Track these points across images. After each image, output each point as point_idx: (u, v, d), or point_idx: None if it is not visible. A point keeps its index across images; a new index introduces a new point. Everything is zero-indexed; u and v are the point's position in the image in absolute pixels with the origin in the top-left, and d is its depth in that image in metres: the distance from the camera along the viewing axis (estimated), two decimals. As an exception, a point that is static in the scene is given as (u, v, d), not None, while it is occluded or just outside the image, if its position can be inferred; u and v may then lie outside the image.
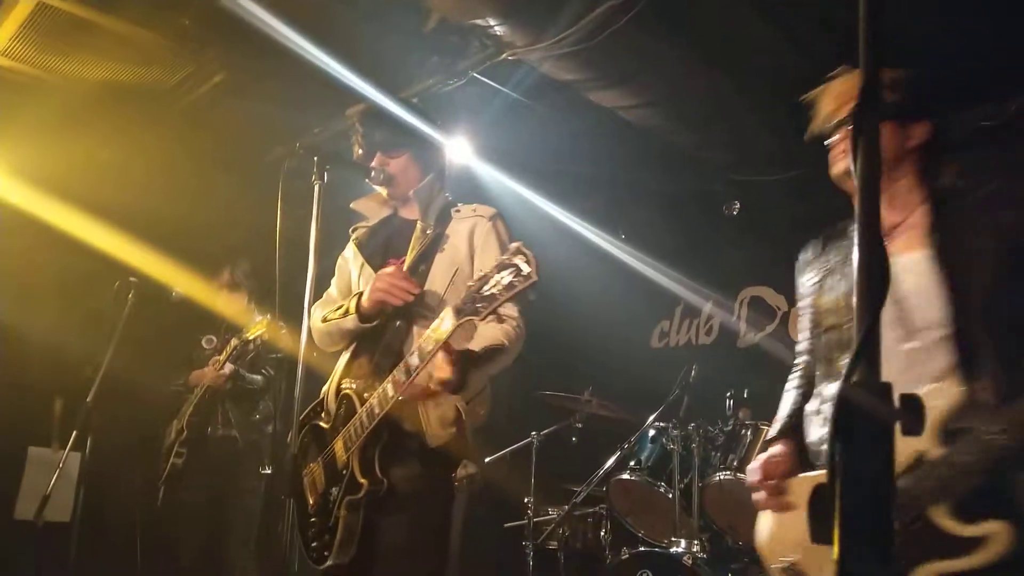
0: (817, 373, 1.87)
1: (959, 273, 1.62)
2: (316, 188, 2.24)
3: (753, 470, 1.84)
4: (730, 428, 3.42)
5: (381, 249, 2.42)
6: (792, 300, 4.80)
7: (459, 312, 1.84)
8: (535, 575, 3.73)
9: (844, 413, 0.64)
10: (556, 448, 4.13)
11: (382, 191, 2.43)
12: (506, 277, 1.75)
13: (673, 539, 3.27)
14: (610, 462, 3.55)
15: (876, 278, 0.73)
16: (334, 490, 2.14)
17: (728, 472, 3.24)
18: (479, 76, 3.70)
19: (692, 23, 3.35)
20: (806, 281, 1.95)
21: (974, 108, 3.66)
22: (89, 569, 3.55)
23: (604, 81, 3.48)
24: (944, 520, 1.49)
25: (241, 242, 4.37)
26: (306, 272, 2.17)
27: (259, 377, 3.91)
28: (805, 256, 1.99)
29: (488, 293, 1.77)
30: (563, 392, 4.07)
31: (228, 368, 3.77)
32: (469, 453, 2.14)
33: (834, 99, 1.83)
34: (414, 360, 1.95)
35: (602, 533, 3.78)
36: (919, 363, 1.61)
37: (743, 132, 4.04)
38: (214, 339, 4.04)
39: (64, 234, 4.38)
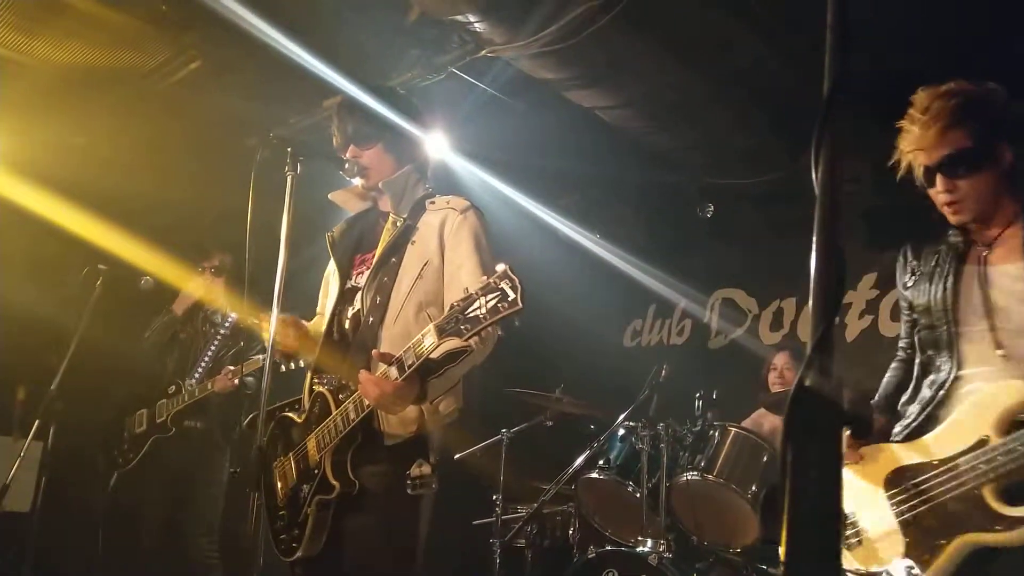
0: (916, 365, 2.05)
1: None
2: (288, 179, 2.22)
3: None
4: (699, 428, 3.44)
5: (352, 245, 2.40)
6: (762, 303, 4.88)
7: (441, 331, 1.83)
8: (502, 572, 3.74)
9: (796, 415, 0.65)
10: (526, 446, 4.14)
11: (358, 183, 2.40)
12: (491, 301, 1.76)
13: (640, 538, 3.29)
14: (579, 461, 3.56)
15: (831, 285, 0.74)
16: (305, 487, 2.15)
17: (696, 472, 3.27)
18: (457, 71, 3.70)
19: (668, 24, 3.37)
20: (904, 283, 2.10)
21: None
22: (49, 559, 3.50)
23: (581, 80, 3.50)
24: (991, 499, 1.70)
25: (217, 230, 4.32)
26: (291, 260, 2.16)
27: (251, 379, 3.87)
28: (901, 260, 2.13)
29: (472, 315, 1.78)
30: (534, 389, 4.07)
31: (237, 379, 3.74)
32: (427, 452, 2.13)
33: (917, 142, 1.88)
34: (393, 372, 1.95)
35: (570, 531, 3.80)
36: (1010, 368, 1.79)
37: (718, 135, 4.08)
38: (151, 279, 3.93)
39: (36, 217, 4.31)
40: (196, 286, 4.01)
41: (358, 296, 2.26)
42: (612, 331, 5.41)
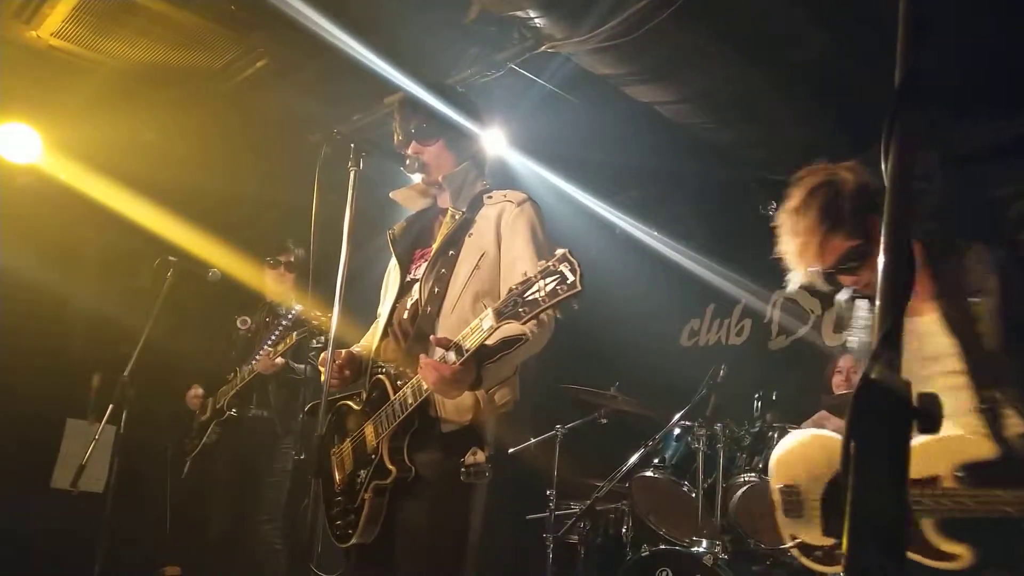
0: None
1: (966, 334, 1.88)
2: (352, 174, 2.27)
3: None
4: (757, 430, 3.39)
5: (412, 240, 2.44)
6: (825, 304, 4.75)
7: (499, 314, 1.83)
8: (554, 567, 3.74)
9: (862, 408, 0.64)
10: (580, 442, 4.13)
11: (418, 179, 2.44)
12: (550, 284, 1.75)
13: (695, 538, 3.26)
14: (634, 458, 3.54)
15: (899, 278, 0.72)
16: (362, 472, 2.17)
17: (754, 474, 3.22)
18: (517, 68, 3.71)
19: (730, 19, 3.31)
20: (847, 326, 2.22)
21: (987, 121, 3.59)
22: (121, 537, 3.65)
23: (641, 76, 3.47)
24: (930, 530, 1.84)
25: (282, 226, 4.44)
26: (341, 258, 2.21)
27: (303, 367, 3.96)
28: (840, 305, 2.24)
29: (531, 298, 1.78)
30: (589, 386, 4.07)
31: (280, 360, 3.83)
32: (482, 441, 2.14)
33: (799, 262, 2.00)
34: (451, 357, 1.95)
35: (623, 529, 3.78)
36: (950, 410, 1.84)
37: (780, 130, 3.99)
38: (248, 320, 4.11)
39: (108, 211, 4.50)
40: (267, 279, 4.13)
41: (416, 287, 2.29)
42: (669, 330, 5.34)
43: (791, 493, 2.09)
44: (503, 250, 2.23)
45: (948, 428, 1.91)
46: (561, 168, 4.61)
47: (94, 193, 4.47)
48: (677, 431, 3.60)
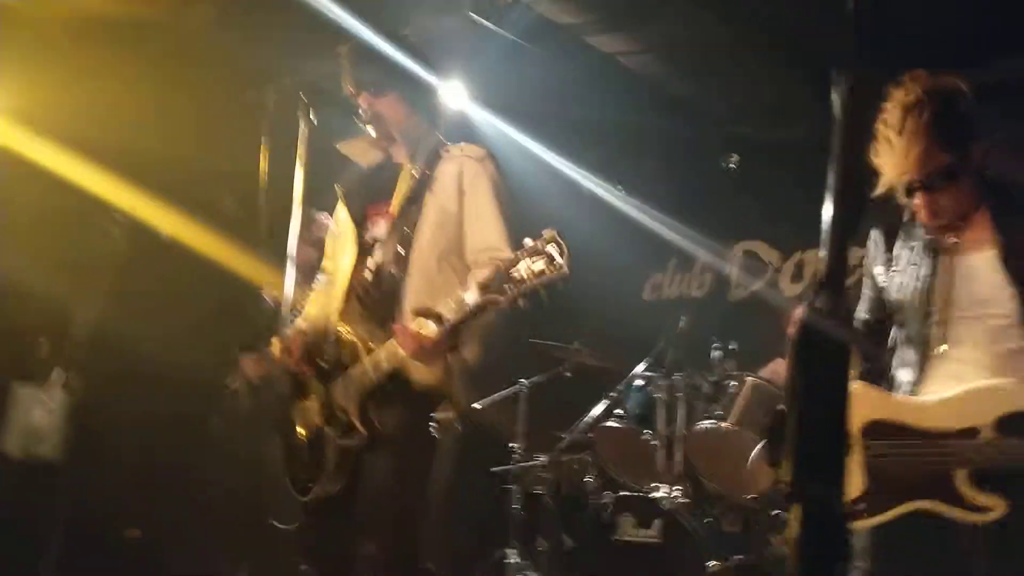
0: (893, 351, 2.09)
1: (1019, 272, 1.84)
2: (301, 126, 2.21)
3: None
4: (716, 379, 3.45)
5: (365, 197, 2.37)
6: (784, 255, 4.82)
7: (485, 289, 1.83)
8: (519, 518, 3.80)
9: (805, 338, 0.64)
10: (545, 396, 4.17)
11: (370, 131, 2.37)
12: (538, 264, 1.75)
13: (655, 484, 3.33)
14: (597, 410, 3.59)
15: (846, 213, 0.72)
16: (328, 430, 2.17)
17: (712, 420, 3.29)
18: (476, 17, 3.63)
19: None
20: (876, 267, 2.11)
21: (962, 67, 3.61)
22: (82, 509, 3.60)
23: (603, 24, 3.43)
24: (961, 481, 1.81)
25: (232, 181, 4.32)
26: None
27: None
28: (871, 242, 2.13)
29: (516, 275, 1.77)
30: (553, 341, 4.09)
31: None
32: (452, 396, 2.16)
33: (895, 161, 1.87)
34: (431, 327, 1.93)
35: (587, 479, 3.84)
36: (988, 356, 1.87)
37: (743, 85, 4.00)
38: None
39: (50, 172, 4.32)
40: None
41: (377, 248, 2.25)
42: (632, 284, 5.38)
43: None
44: (465, 208, 2.20)
45: (991, 375, 1.88)
46: (524, 122, 4.55)
47: (33, 154, 4.28)
48: (639, 382, 3.65)
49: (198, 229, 4.17)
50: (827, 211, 0.73)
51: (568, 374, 4.05)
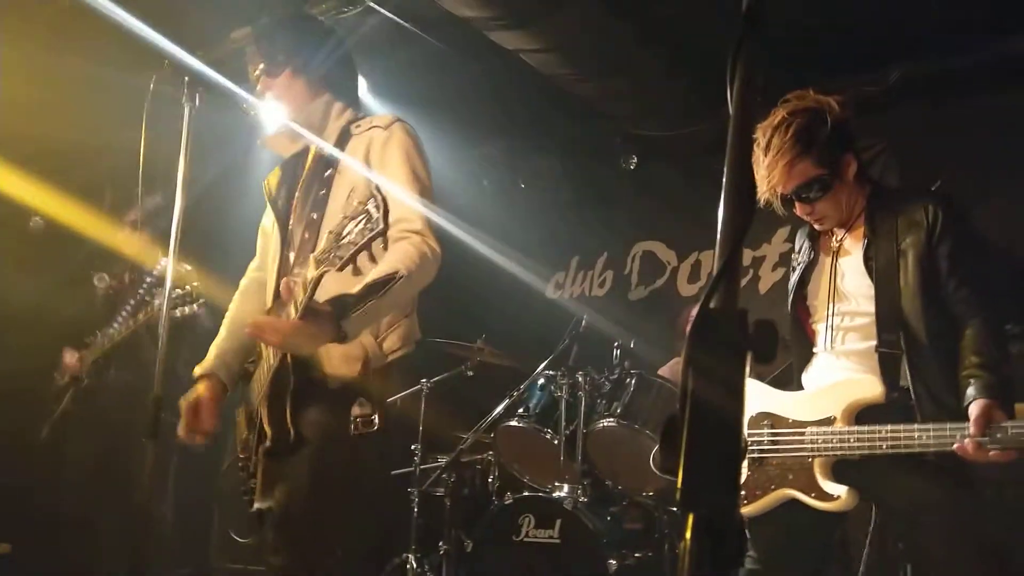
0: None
1: (883, 278, 1.96)
2: (186, 112, 2.08)
3: None
4: (616, 376, 3.48)
5: (288, 190, 2.21)
6: (681, 255, 4.95)
7: (318, 262, 1.71)
8: (420, 521, 3.73)
9: (698, 341, 0.62)
10: (447, 395, 4.11)
11: (282, 116, 2.18)
12: (360, 224, 1.64)
13: (557, 484, 3.33)
14: (498, 409, 3.56)
15: (741, 209, 0.71)
16: (251, 436, 2.09)
17: (611, 419, 3.31)
18: (375, 6, 3.52)
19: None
20: (792, 262, 2.27)
21: (858, 75, 3.81)
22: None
23: (505, 21, 3.39)
24: (819, 470, 1.95)
25: (121, 170, 4.04)
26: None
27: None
28: (796, 240, 2.28)
29: (344, 242, 1.66)
30: (455, 339, 4.03)
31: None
32: (371, 392, 2.01)
33: (768, 176, 1.99)
34: (291, 311, 1.81)
35: (490, 479, 3.81)
36: (856, 351, 1.99)
37: (643, 85, 4.05)
38: (106, 277, 3.72)
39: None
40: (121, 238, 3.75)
41: (291, 240, 2.12)
42: (535, 282, 5.39)
43: None
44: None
45: (849, 369, 2.01)
46: (427, 115, 4.46)
47: None
48: (541, 381, 3.65)
49: (78, 215, 3.87)
50: (721, 213, 0.71)
51: (470, 373, 4.00)
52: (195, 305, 3.24)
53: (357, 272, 1.77)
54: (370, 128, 2.11)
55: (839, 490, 1.92)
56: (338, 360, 1.96)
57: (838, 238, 2.10)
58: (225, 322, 2.27)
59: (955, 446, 1.74)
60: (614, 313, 4.84)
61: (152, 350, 3.61)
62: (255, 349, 2.12)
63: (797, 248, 2.28)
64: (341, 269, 1.68)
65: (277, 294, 2.03)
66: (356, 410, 1.97)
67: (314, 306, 1.76)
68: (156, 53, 4.09)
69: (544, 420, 3.51)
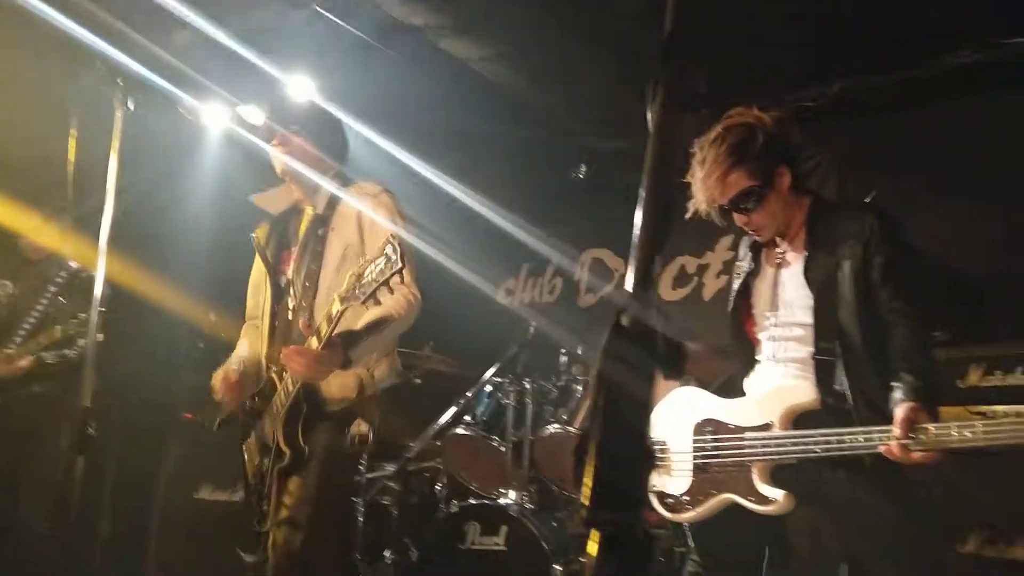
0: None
1: (822, 287, 2.02)
2: (118, 114, 2.05)
3: None
4: (563, 383, 3.50)
5: (278, 243, 2.56)
6: (628, 263, 4.99)
7: (343, 299, 2.06)
8: (366, 530, 3.69)
9: (610, 356, 0.63)
10: (394, 403, 4.05)
11: (283, 177, 2.52)
12: (379, 265, 1.98)
13: (503, 491, 3.33)
14: (445, 417, 3.54)
15: (655, 225, 0.72)
16: (265, 461, 2.39)
17: (559, 426, 3.33)
18: (323, 11, 3.49)
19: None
20: (736, 271, 2.33)
21: (799, 90, 3.91)
22: None
23: (453, 28, 3.39)
24: (758, 475, 2.01)
25: (54, 173, 3.92)
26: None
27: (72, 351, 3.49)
28: (740, 250, 2.35)
29: (365, 281, 2.01)
30: (403, 347, 3.99)
31: (24, 363, 3.39)
32: (365, 415, 2.37)
33: (704, 187, 2.09)
34: (313, 342, 2.16)
35: (437, 487, 3.79)
36: (795, 358, 2.06)
37: (588, 95, 4.09)
38: (8, 284, 3.58)
39: None
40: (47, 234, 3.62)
41: (291, 288, 2.46)
42: (485, 289, 5.39)
43: (659, 447, 2.21)
44: (366, 242, 2.39)
45: (786, 375, 2.07)
46: (377, 123, 4.44)
47: None
48: (488, 388, 3.65)
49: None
50: (636, 223, 0.72)
51: (418, 380, 3.98)
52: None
53: (377, 303, 2.15)
54: (359, 192, 2.47)
55: (777, 494, 1.97)
56: (336, 388, 2.32)
57: (780, 249, 2.16)
58: (239, 351, 2.64)
59: (882, 448, 1.80)
60: (564, 320, 4.86)
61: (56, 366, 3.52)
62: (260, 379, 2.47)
63: (740, 256, 2.33)
64: (365, 303, 2.03)
65: (272, 336, 2.44)
66: (353, 428, 2.35)
67: (332, 338, 2.13)
68: (89, 53, 4.03)
69: (491, 428, 3.51)
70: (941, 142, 3.84)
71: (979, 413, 2.87)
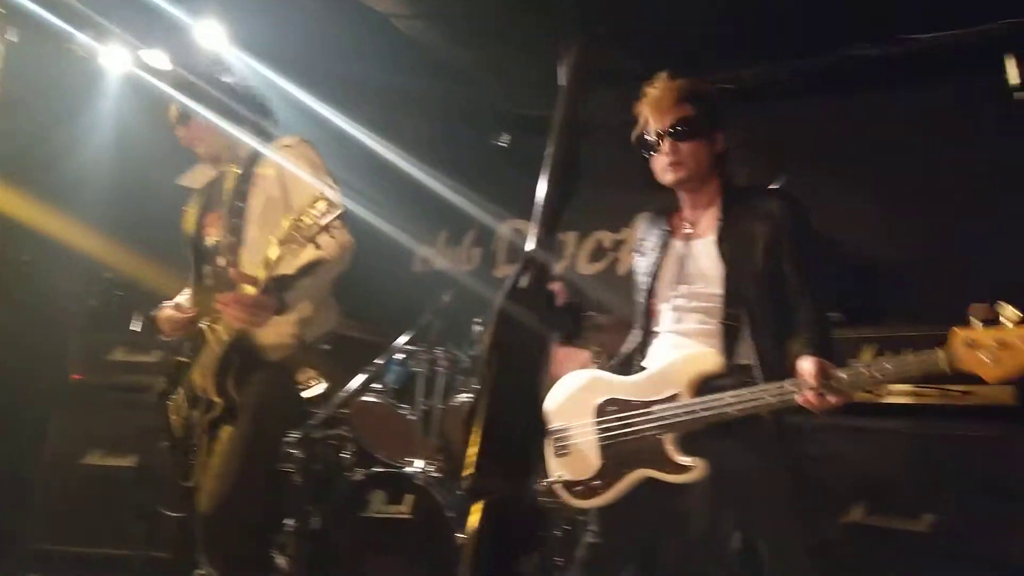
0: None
1: (733, 258, 2.09)
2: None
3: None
4: (476, 353, 3.49)
5: (202, 210, 2.62)
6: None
7: (283, 243, 2.08)
8: (269, 498, 3.58)
9: (503, 322, 0.60)
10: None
11: (200, 157, 2.62)
12: (321, 208, 2.04)
13: (410, 459, 3.31)
14: (353, 384, 3.48)
15: (554, 192, 0.70)
16: (195, 413, 2.40)
17: (468, 395, 3.32)
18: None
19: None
20: (637, 249, 2.38)
21: (717, 72, 3.97)
22: None
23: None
24: (669, 445, 2.03)
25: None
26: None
27: None
28: (640, 228, 2.41)
29: (306, 223, 2.04)
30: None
31: None
32: (308, 362, 2.50)
33: (655, 106, 2.18)
34: (250, 289, 2.18)
35: (343, 455, 3.72)
36: (698, 329, 2.11)
37: (512, 60, 4.03)
38: None
39: None
40: None
41: (218, 247, 2.48)
42: (402, 255, 5.30)
43: (560, 435, 2.21)
44: (289, 193, 2.43)
45: (689, 345, 2.11)
46: (290, 73, 4.25)
47: None
48: (400, 356, 3.60)
49: None
50: (540, 192, 0.70)
51: (327, 347, 3.88)
52: None
53: (317, 247, 2.15)
54: (278, 148, 2.50)
55: (692, 461, 2.00)
56: (272, 336, 2.35)
57: (689, 223, 2.24)
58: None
59: (798, 399, 1.88)
60: (480, 289, 4.85)
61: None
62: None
63: (642, 235, 2.37)
64: (306, 244, 2.05)
65: (199, 293, 2.49)
66: (301, 376, 2.47)
67: (267, 283, 2.15)
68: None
69: (401, 396, 3.48)
70: (842, 131, 4.00)
71: (870, 391, 3.03)
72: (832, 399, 1.86)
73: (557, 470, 2.20)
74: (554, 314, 0.62)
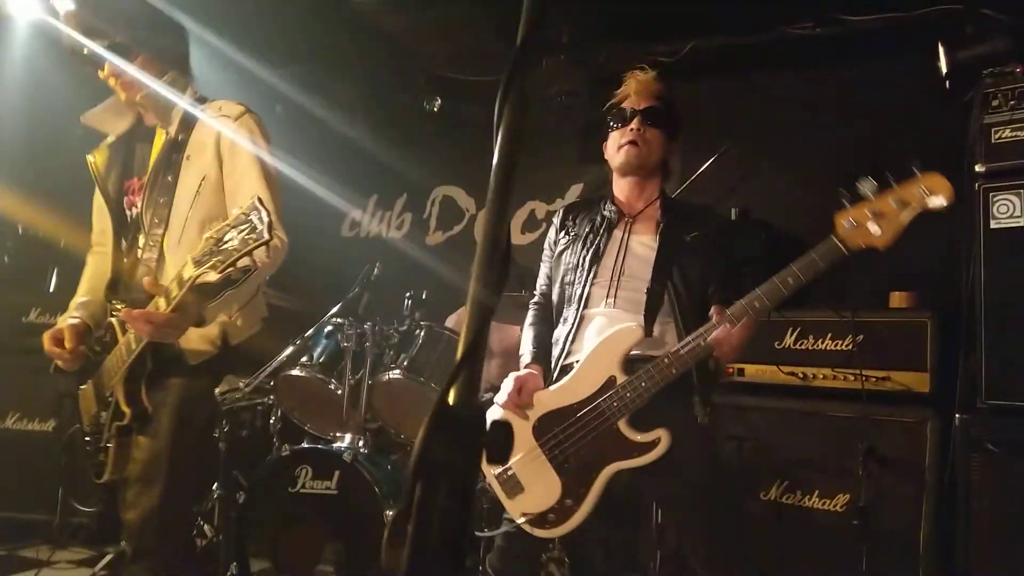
0: (556, 312, 2.37)
1: (665, 253, 2.21)
2: None
3: (509, 381, 2.22)
4: (405, 328, 3.43)
5: (121, 170, 2.29)
6: (480, 203, 4.94)
7: (198, 263, 1.84)
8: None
9: (433, 436, 0.57)
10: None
11: (120, 94, 2.22)
12: (243, 233, 1.77)
13: (338, 434, 3.26)
14: (280, 357, 3.38)
15: (480, 319, 0.66)
16: (103, 414, 2.20)
17: (398, 371, 3.28)
18: None
19: None
20: (556, 238, 2.42)
21: (654, 44, 3.94)
22: None
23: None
24: (626, 430, 2.03)
25: None
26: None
27: None
28: (558, 217, 2.46)
29: (224, 247, 1.79)
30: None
31: None
32: (231, 368, 2.28)
33: (639, 88, 2.29)
34: (162, 304, 1.95)
35: (271, 421, 3.65)
36: (633, 309, 2.16)
37: (451, 26, 3.91)
38: None
39: None
40: None
41: (140, 221, 2.21)
42: (330, 220, 5.15)
43: (504, 476, 2.14)
44: (226, 171, 2.17)
45: (609, 326, 2.15)
46: (221, 30, 4.00)
47: None
48: (328, 329, 3.51)
49: None
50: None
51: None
52: None
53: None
54: (219, 115, 2.19)
55: (655, 434, 2.01)
56: (196, 340, 2.14)
57: (630, 216, 2.31)
58: (85, 282, 2.39)
59: (711, 337, 1.98)
60: (410, 258, 4.77)
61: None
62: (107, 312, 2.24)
63: (560, 225, 2.43)
64: (221, 272, 1.79)
65: (116, 272, 2.21)
66: (223, 387, 2.30)
67: (183, 300, 1.91)
68: None
69: (328, 370, 3.40)
70: (775, 109, 4.04)
71: (792, 374, 3.14)
72: (736, 330, 1.97)
73: (517, 509, 2.13)
74: (483, 434, 0.59)
